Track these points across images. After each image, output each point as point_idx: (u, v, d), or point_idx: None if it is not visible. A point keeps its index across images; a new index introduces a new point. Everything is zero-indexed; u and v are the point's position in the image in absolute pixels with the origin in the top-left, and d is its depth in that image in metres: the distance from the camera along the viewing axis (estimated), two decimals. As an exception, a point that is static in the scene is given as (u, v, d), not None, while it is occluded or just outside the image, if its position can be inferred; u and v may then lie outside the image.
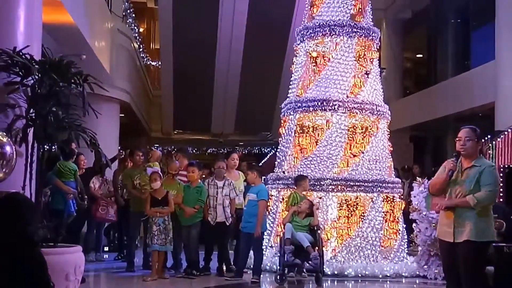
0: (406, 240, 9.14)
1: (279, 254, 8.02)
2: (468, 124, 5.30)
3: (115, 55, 12.94)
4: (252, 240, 7.95)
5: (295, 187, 8.41)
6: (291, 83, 9.71)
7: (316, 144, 9.03)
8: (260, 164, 17.76)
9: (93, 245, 10.02)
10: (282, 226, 8.26)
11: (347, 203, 8.77)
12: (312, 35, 9.32)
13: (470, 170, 4.98)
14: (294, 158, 9.18)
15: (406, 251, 9.17)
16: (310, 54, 9.54)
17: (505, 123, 11.31)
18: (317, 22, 9.30)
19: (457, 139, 5.09)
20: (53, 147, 7.93)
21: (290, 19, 17.30)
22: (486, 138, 10.28)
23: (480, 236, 4.88)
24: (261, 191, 7.98)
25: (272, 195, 9.23)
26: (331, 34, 9.18)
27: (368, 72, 9.41)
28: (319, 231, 8.05)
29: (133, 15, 17.49)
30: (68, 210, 8.79)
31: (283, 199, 8.97)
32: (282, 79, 17.88)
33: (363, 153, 8.99)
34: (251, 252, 8.20)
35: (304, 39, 9.44)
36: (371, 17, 9.68)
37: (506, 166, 9.91)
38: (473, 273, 4.89)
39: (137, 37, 18.36)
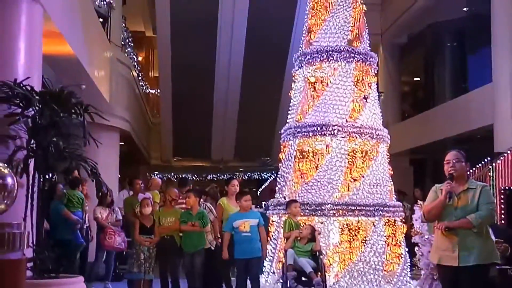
0: (409, 264, 9.08)
1: (281, 281, 7.96)
2: (466, 146, 5.32)
3: (114, 84, 13.01)
4: (236, 266, 7.86)
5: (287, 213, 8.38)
6: (290, 108, 9.73)
7: (317, 169, 9.02)
8: (260, 189, 17.73)
9: (100, 275, 9.91)
10: (284, 252, 8.22)
11: (349, 227, 8.73)
12: (310, 60, 9.37)
13: (467, 193, 4.93)
14: (294, 183, 9.16)
15: (409, 275, 9.10)
16: (308, 79, 9.58)
17: (504, 145, 11.33)
18: (314, 48, 9.36)
19: (445, 162, 5.05)
20: (54, 177, 7.95)
21: (287, 45, 17.45)
22: (486, 160, 10.30)
23: (488, 259, 4.86)
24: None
25: (273, 221, 9.20)
26: (329, 60, 9.22)
27: (366, 97, 9.44)
28: (321, 256, 8.00)
29: (132, 44, 17.65)
30: (77, 240, 8.78)
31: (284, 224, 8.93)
32: (281, 105, 17.97)
33: (363, 177, 8.96)
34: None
35: (302, 64, 9.49)
36: (368, 42, 9.75)
37: (507, 188, 9.91)
38: None
39: (136, 66, 18.49)
